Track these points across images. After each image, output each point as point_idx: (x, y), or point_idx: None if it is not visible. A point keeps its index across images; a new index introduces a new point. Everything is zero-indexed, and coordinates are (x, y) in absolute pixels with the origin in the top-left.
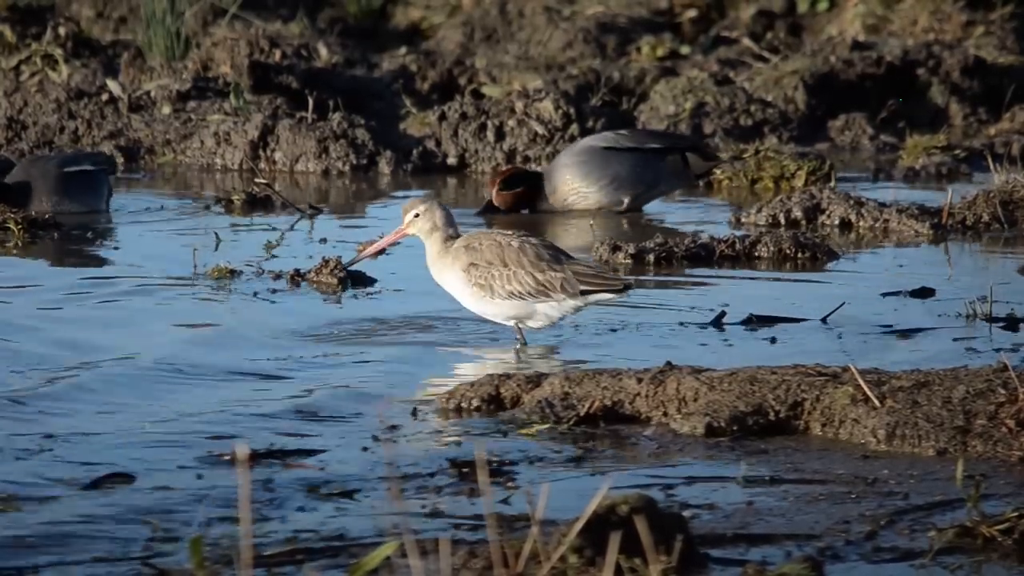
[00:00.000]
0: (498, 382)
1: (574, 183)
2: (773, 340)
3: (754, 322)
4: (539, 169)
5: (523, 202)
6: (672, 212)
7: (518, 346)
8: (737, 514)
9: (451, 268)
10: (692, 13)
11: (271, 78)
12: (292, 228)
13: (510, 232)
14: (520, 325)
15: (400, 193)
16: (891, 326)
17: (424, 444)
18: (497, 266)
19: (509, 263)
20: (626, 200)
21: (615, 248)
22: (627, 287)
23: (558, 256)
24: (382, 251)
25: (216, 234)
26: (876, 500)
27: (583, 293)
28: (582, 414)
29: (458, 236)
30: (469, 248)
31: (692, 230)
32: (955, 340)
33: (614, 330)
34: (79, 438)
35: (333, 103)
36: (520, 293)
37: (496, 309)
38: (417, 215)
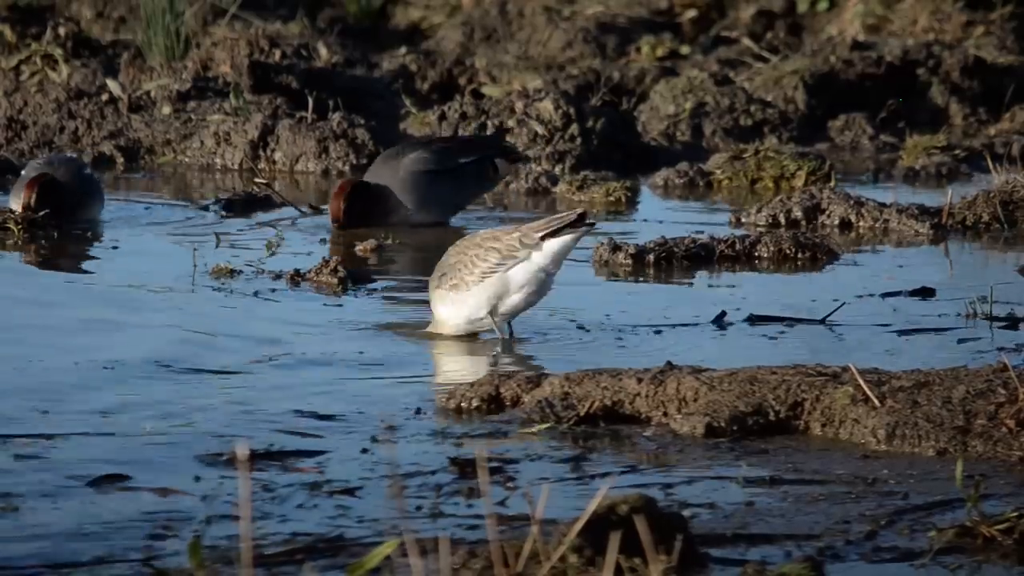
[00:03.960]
0: (498, 382)
1: (403, 208)
2: (773, 340)
3: (754, 322)
4: (376, 182)
5: (369, 217)
6: (672, 212)
7: (505, 337)
8: (737, 514)
9: (432, 296)
10: (692, 13)
11: (271, 78)
12: (292, 228)
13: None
14: (497, 316)
15: None
16: (891, 326)
17: (424, 444)
18: (461, 260)
19: (468, 250)
20: (449, 216)
21: (615, 248)
22: (583, 215)
23: (515, 225)
24: None
25: (216, 234)
26: (876, 500)
27: (543, 239)
28: (582, 414)
29: None
30: (435, 272)
31: (693, 230)
32: (956, 340)
33: (613, 330)
34: (78, 438)
35: (333, 103)
36: (490, 269)
37: (476, 300)
38: None
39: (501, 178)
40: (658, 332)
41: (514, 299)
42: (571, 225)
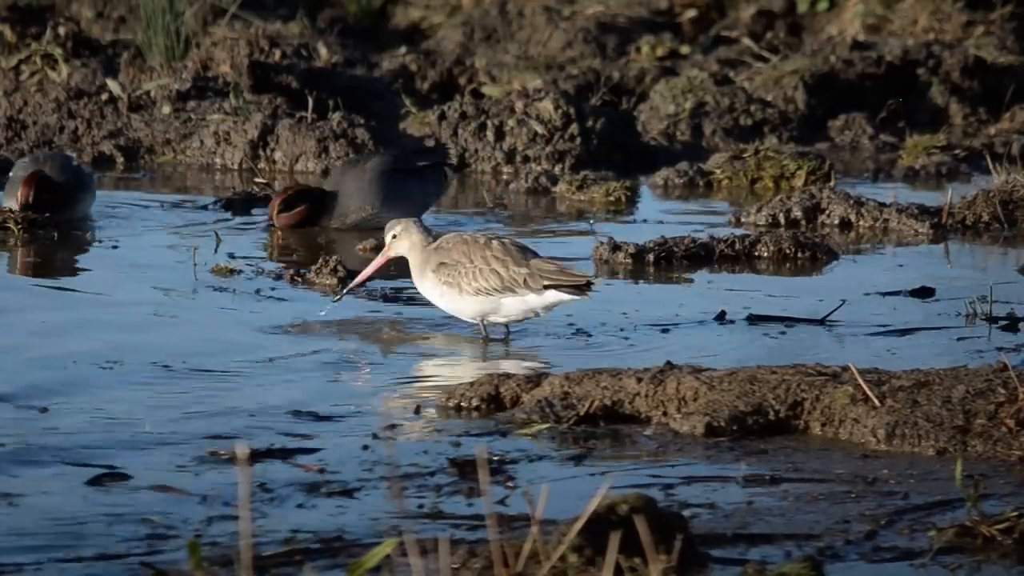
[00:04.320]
0: (498, 382)
1: (368, 205)
2: (773, 339)
3: (754, 322)
4: (326, 187)
5: (307, 220)
6: (672, 212)
7: (481, 338)
8: (737, 514)
9: (425, 272)
10: (692, 13)
11: (271, 78)
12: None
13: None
14: (486, 321)
15: None
16: (891, 326)
17: (424, 443)
18: (464, 263)
19: (475, 260)
20: (413, 216)
21: (615, 248)
22: (589, 284)
23: (524, 252)
24: (370, 277)
25: (216, 234)
26: (876, 500)
27: (546, 288)
28: (582, 414)
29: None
30: (439, 249)
31: (693, 230)
32: (956, 340)
33: (613, 329)
34: (78, 438)
35: (333, 103)
36: (487, 289)
37: (464, 306)
38: (395, 236)
39: (447, 187)
40: (660, 331)
41: (498, 318)
42: (576, 287)
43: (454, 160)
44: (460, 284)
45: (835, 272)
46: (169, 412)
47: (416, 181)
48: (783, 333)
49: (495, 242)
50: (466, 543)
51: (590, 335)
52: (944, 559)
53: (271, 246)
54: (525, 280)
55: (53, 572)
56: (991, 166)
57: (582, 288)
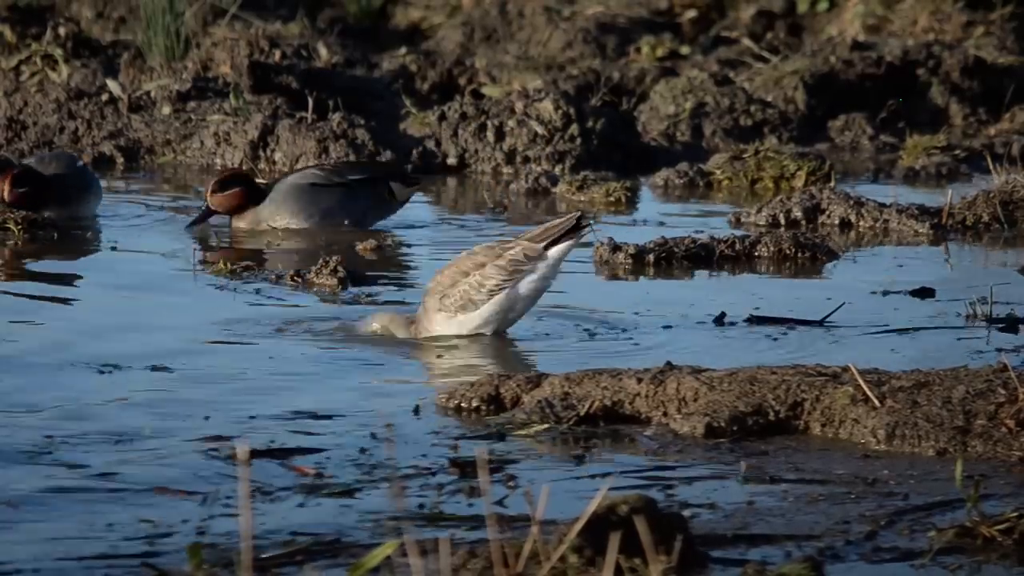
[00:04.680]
0: (498, 382)
1: (285, 217)
2: (773, 340)
3: (754, 322)
4: (262, 185)
5: (242, 205)
6: (672, 212)
7: (480, 338)
8: (737, 514)
9: (432, 318)
10: (692, 13)
11: (271, 78)
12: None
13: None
14: (512, 317)
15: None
16: (891, 326)
17: (423, 444)
18: (462, 281)
19: (471, 272)
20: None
21: (615, 249)
22: (580, 219)
23: (505, 240)
24: None
25: (216, 233)
26: (876, 500)
27: (547, 248)
28: (582, 414)
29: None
30: (430, 292)
31: (693, 230)
32: (956, 341)
33: (614, 330)
34: (77, 438)
35: (333, 103)
36: (498, 286)
37: (486, 317)
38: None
39: (401, 202)
40: (660, 331)
41: (519, 308)
42: (570, 231)
43: (453, 160)
44: (471, 299)
45: (835, 272)
46: (168, 413)
47: (337, 196)
48: (783, 334)
49: (476, 247)
50: (467, 543)
51: (591, 335)
52: (944, 560)
53: (270, 245)
54: (525, 254)
55: (53, 573)
56: (991, 166)
57: (578, 228)
